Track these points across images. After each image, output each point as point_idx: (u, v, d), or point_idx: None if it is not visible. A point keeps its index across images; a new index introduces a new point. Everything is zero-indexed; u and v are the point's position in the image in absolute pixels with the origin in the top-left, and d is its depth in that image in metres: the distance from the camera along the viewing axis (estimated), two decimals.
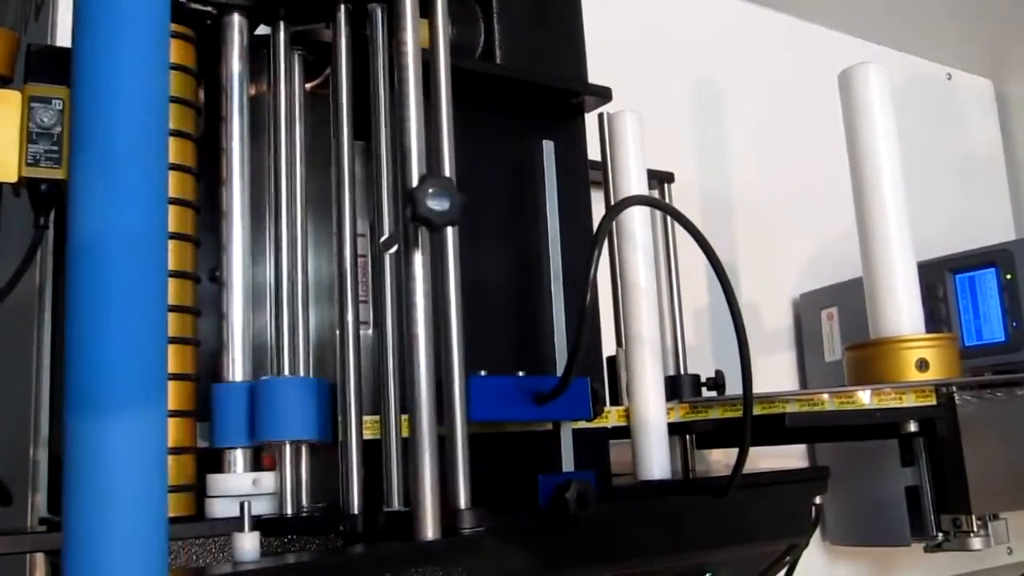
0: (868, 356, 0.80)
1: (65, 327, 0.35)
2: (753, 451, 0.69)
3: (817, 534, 1.14)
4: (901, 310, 0.80)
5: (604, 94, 0.78)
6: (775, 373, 1.18)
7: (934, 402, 0.79)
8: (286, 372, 0.59)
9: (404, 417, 0.56)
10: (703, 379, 1.00)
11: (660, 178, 1.04)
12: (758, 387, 0.68)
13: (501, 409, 0.62)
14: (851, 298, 1.09)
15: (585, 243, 0.77)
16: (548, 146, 0.71)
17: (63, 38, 0.76)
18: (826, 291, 1.14)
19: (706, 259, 0.70)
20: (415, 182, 0.54)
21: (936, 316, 0.98)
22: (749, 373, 0.70)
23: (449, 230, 0.56)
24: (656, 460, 0.75)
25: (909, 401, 0.78)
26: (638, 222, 0.78)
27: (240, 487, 0.55)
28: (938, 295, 0.98)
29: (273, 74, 0.61)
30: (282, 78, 0.62)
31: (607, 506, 0.69)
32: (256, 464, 0.58)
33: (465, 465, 0.56)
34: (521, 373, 0.66)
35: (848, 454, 1.10)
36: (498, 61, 0.72)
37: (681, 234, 1.06)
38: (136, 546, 0.33)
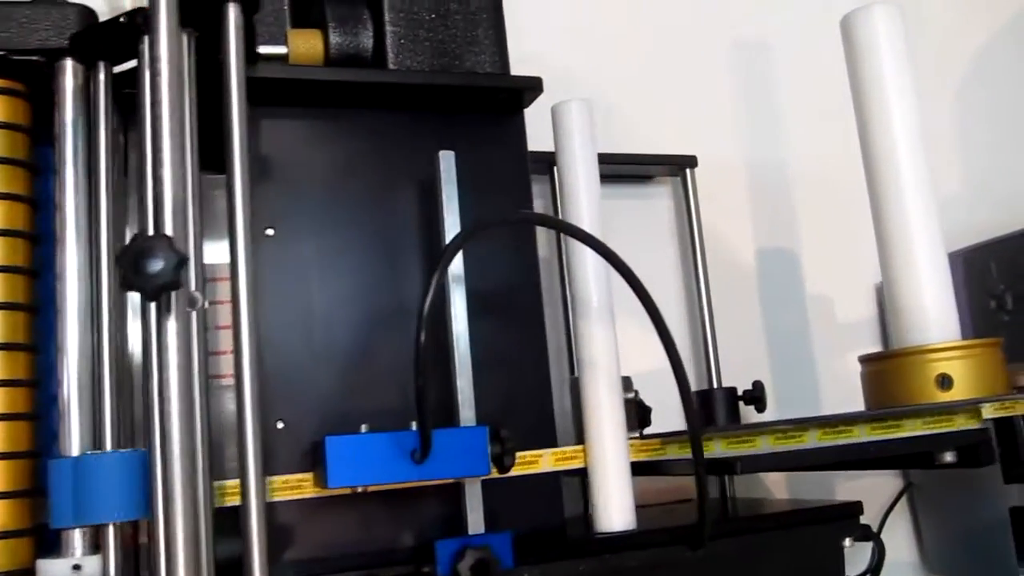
0: (883, 371, 0.64)
1: None
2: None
3: (917, 561, 0.97)
4: (922, 312, 0.63)
5: (533, 86, 0.68)
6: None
7: (977, 424, 0.63)
8: (108, 445, 0.54)
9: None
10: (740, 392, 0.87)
11: (680, 163, 0.91)
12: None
13: (367, 472, 0.55)
14: None
15: (527, 261, 0.68)
16: (445, 158, 0.62)
17: None
18: None
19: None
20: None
21: (1023, 303, 0.79)
22: (691, 408, 0.58)
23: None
24: (615, 508, 0.64)
25: (934, 426, 0.62)
26: (586, 229, 0.67)
27: (61, 574, 0.51)
28: (1021, 274, 0.78)
29: (93, 119, 0.57)
30: (102, 122, 0.57)
31: (546, 567, 0.60)
32: (96, 544, 0.54)
33: (261, 539, 0.49)
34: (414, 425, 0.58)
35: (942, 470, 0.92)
36: (390, 66, 0.64)
37: (713, 231, 0.93)
38: None
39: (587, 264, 0.67)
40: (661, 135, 0.94)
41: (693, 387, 0.90)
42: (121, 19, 0.54)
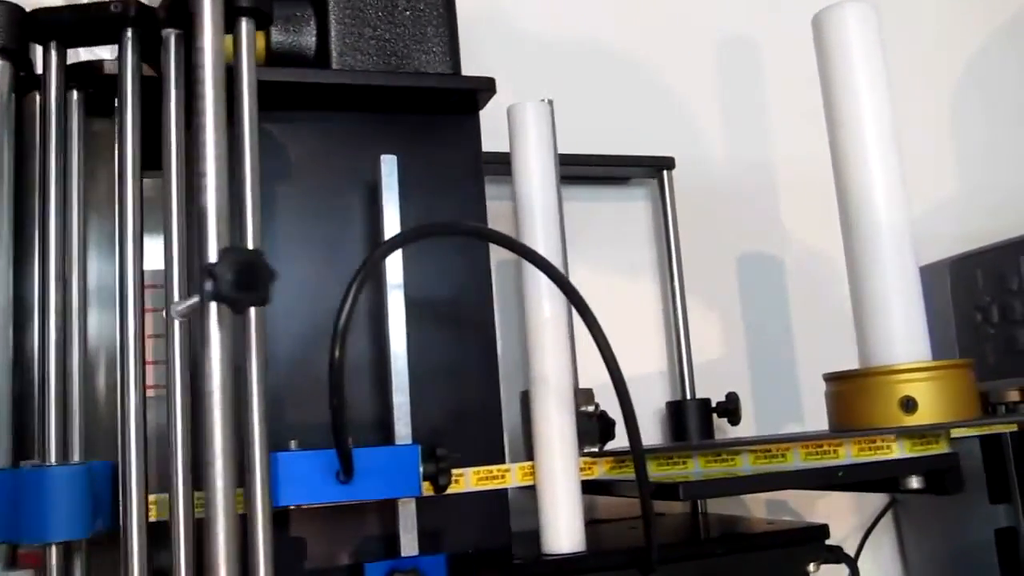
0: (846, 392, 0.61)
1: None
2: None
3: None
4: (888, 331, 0.60)
5: (486, 87, 0.65)
6: None
7: (945, 449, 0.60)
8: (52, 459, 0.52)
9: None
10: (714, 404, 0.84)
11: (657, 165, 0.88)
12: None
13: (292, 491, 0.52)
14: (926, 288, 0.87)
15: (478, 269, 0.66)
16: (387, 162, 0.59)
17: None
18: None
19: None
20: (214, 253, 0.45)
21: (1009, 316, 0.75)
22: (634, 427, 0.56)
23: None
24: (564, 529, 0.61)
25: (901, 451, 0.59)
26: (540, 235, 0.64)
27: None
28: (1010, 287, 0.74)
29: (43, 115, 0.55)
30: (53, 116, 0.55)
31: None
32: (12, 561, 0.52)
33: (267, 554, 0.47)
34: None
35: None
36: (334, 65, 0.62)
37: (690, 238, 0.90)
38: None
39: (539, 273, 0.64)
40: (641, 136, 0.91)
41: (667, 397, 0.88)
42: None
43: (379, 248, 0.48)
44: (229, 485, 0.45)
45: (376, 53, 0.63)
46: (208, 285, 0.43)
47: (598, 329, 0.54)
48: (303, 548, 0.59)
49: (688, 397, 0.84)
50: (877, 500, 0.92)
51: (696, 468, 0.61)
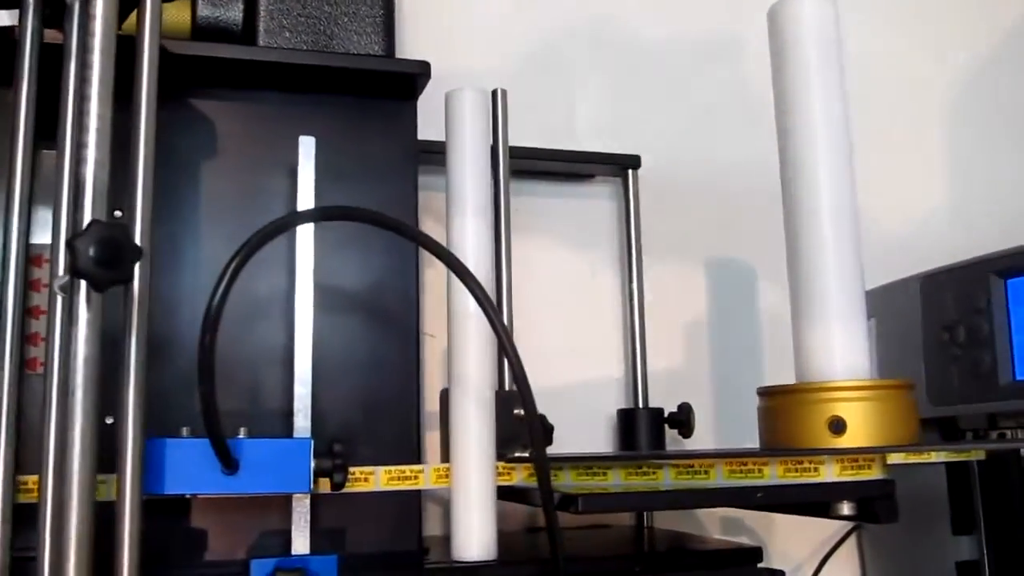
0: (778, 408, 0.57)
1: None
2: None
3: None
4: (825, 346, 0.56)
5: (420, 71, 0.62)
6: None
7: (878, 475, 0.56)
8: None
9: None
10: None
11: (622, 163, 0.84)
12: None
13: (177, 480, 0.50)
14: (894, 306, 0.83)
15: (404, 259, 0.63)
16: (305, 143, 0.57)
17: None
18: (870, 296, 0.87)
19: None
20: (84, 225, 0.43)
21: (976, 338, 0.71)
22: (537, 434, 0.53)
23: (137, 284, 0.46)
24: (475, 535, 0.59)
25: (829, 475, 0.55)
26: (469, 227, 0.61)
27: None
28: (979, 306, 0.70)
29: None
30: None
31: None
32: None
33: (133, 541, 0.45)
34: (243, 432, 0.53)
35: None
36: (260, 42, 0.59)
37: (658, 241, 0.87)
38: None
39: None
40: (607, 133, 0.88)
41: (615, 405, 0.85)
42: None
43: (252, 237, 0.46)
44: (87, 468, 0.44)
45: (305, 31, 0.60)
46: (69, 259, 0.41)
47: (501, 324, 0.51)
48: (202, 539, 0.57)
49: (640, 405, 0.81)
50: (841, 523, 0.88)
51: (616, 480, 0.58)
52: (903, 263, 0.80)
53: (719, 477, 0.57)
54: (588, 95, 0.90)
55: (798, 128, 0.59)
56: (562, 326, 0.85)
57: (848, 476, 0.56)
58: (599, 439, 0.83)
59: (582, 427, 0.83)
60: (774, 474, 0.56)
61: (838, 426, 0.53)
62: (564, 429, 0.78)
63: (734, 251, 0.91)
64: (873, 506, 0.55)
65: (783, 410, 0.57)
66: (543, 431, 0.72)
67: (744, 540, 0.87)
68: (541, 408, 0.73)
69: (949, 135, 1.03)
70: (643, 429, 0.79)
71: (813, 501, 0.56)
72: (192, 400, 0.57)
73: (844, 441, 0.53)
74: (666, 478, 0.58)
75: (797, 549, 0.88)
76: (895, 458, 0.57)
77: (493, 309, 0.51)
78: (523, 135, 0.82)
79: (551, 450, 0.73)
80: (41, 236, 0.55)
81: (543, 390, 0.83)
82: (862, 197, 0.96)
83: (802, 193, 0.59)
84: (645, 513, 0.80)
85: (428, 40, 0.85)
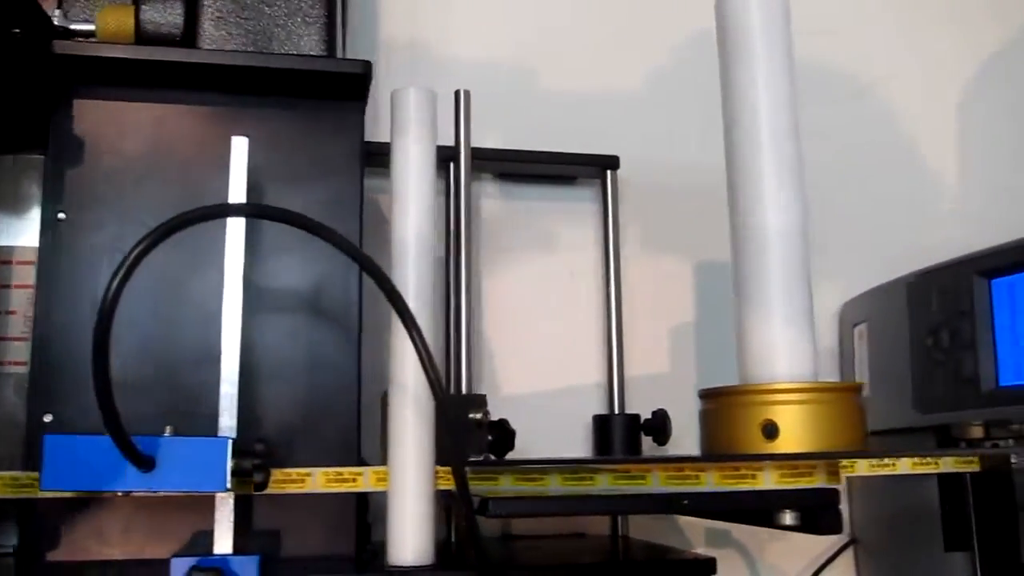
0: (716, 411, 0.54)
1: None
2: None
3: None
4: (766, 345, 0.53)
5: (361, 72, 0.62)
6: None
7: (821, 484, 0.53)
8: None
9: None
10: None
11: (600, 164, 0.83)
12: None
13: (88, 477, 0.50)
14: (883, 310, 0.79)
15: (345, 266, 0.62)
16: (238, 144, 0.57)
17: None
18: (862, 299, 0.84)
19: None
20: None
21: (959, 342, 0.67)
22: (451, 437, 0.52)
23: None
24: (410, 540, 0.58)
25: (767, 482, 0.53)
26: (411, 229, 0.61)
27: None
28: (963, 309, 0.66)
29: None
30: None
31: None
32: None
33: None
34: (168, 431, 0.54)
35: (889, 524, 0.81)
36: (202, 45, 0.60)
37: (643, 244, 0.85)
38: None
39: (408, 273, 0.60)
40: (591, 134, 0.86)
41: (596, 410, 0.82)
42: None
43: (144, 237, 0.46)
44: None
45: (247, 34, 0.61)
46: None
47: (413, 324, 0.50)
48: (134, 537, 0.58)
49: (616, 411, 0.79)
50: (834, 538, 0.85)
51: (554, 485, 0.57)
52: (910, 266, 0.76)
53: (656, 483, 0.55)
54: (566, 97, 0.88)
55: (742, 120, 0.57)
56: (542, 329, 0.84)
57: (788, 484, 0.53)
58: (576, 445, 0.81)
59: (560, 432, 0.81)
60: (711, 480, 0.54)
61: (771, 430, 0.51)
62: (541, 434, 0.77)
63: (715, 253, 0.88)
64: (815, 516, 0.52)
65: (720, 413, 0.54)
66: (505, 435, 0.71)
67: (730, 553, 0.84)
68: (516, 412, 0.72)
69: (960, 134, 0.98)
70: (618, 435, 0.77)
71: (747, 509, 0.53)
72: (133, 399, 0.58)
73: (777, 446, 0.51)
74: (603, 483, 0.56)
75: (789, 564, 0.85)
76: (863, 468, 0.54)
77: (406, 310, 0.50)
78: (515, 137, 0.82)
79: (514, 455, 0.72)
80: None
81: (521, 394, 0.83)
82: (871, 198, 0.92)
83: (745, 188, 0.57)
84: (619, 522, 0.77)
85: (408, 42, 0.86)
